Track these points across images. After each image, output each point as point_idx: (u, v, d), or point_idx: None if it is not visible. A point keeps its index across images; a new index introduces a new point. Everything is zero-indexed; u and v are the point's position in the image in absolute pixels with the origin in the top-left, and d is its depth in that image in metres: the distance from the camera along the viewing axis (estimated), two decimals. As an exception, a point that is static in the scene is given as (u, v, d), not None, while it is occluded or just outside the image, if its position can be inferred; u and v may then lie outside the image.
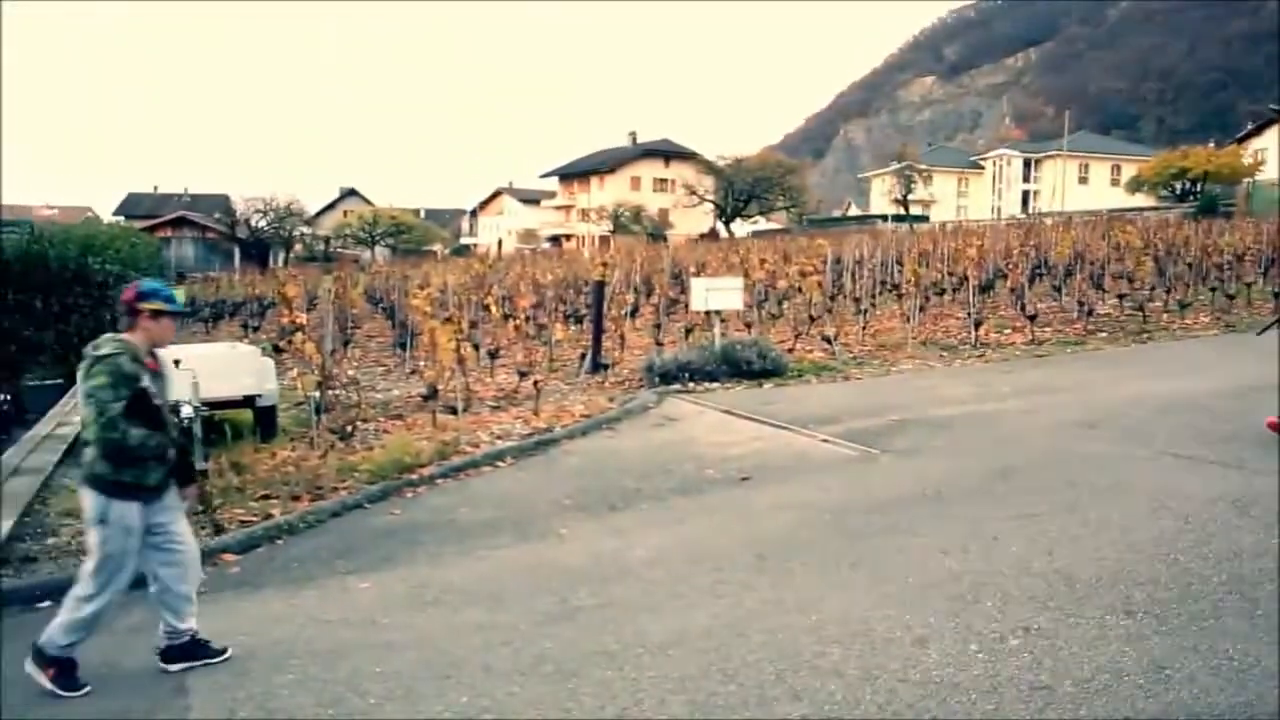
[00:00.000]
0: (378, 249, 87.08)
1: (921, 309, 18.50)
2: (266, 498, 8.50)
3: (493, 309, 14.63)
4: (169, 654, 5.10)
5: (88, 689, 4.86)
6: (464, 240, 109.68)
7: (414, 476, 8.86)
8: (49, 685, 4.82)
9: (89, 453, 4.83)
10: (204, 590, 6.42)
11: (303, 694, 4.72)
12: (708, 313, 13.92)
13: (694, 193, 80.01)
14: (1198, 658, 4.41)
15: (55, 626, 4.87)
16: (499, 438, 10.47)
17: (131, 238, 25.54)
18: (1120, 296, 18.54)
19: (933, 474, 8.03)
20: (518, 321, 13.25)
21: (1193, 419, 9.51)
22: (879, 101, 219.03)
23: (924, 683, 4.36)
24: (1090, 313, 17.31)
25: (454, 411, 10.90)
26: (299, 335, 9.60)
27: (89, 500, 4.84)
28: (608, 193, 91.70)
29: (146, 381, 4.83)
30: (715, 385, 12.99)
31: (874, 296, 21.68)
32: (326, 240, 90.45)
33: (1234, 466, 7.68)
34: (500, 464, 9.43)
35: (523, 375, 12.92)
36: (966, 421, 10.00)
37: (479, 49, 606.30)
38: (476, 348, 16.08)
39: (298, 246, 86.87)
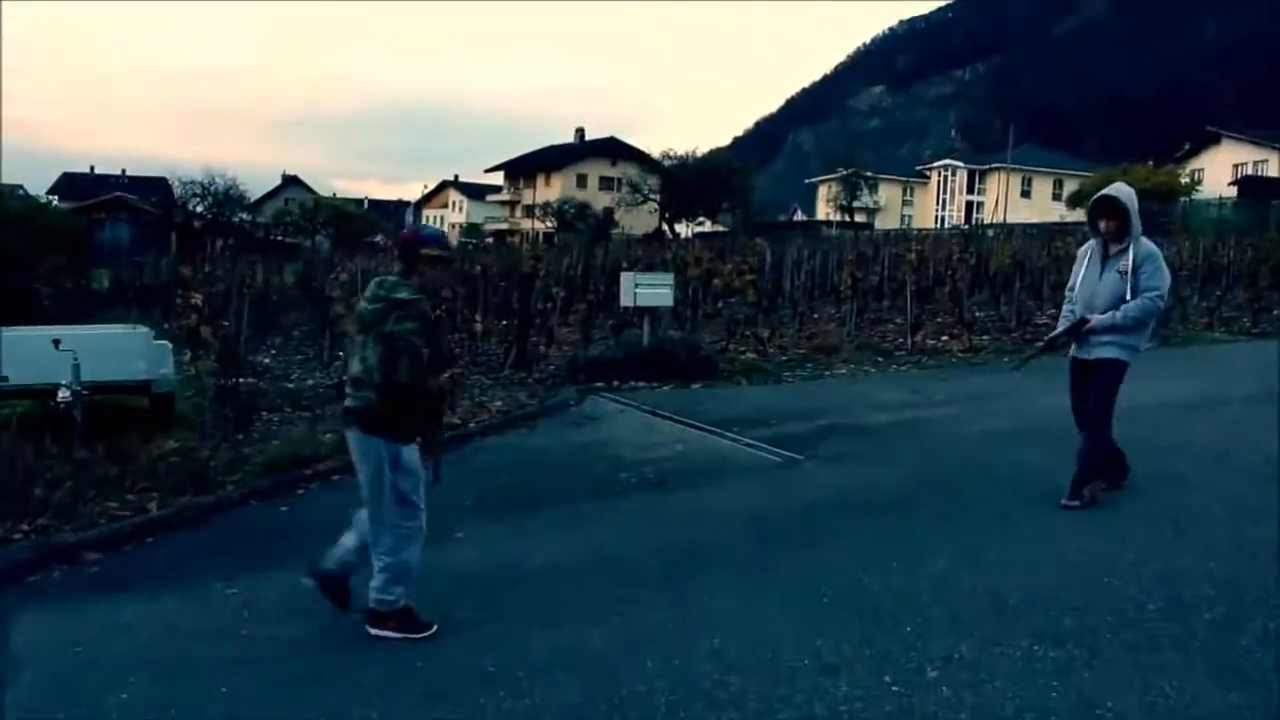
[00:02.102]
0: (319, 238, 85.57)
1: (860, 313, 18.18)
2: (146, 490, 7.88)
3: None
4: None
5: (434, 627, 4.93)
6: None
7: (309, 471, 8.29)
8: (402, 635, 4.85)
9: (367, 397, 4.82)
10: (52, 591, 5.87)
11: (130, 717, 4.16)
12: (639, 309, 13.43)
13: (637, 191, 79.53)
14: (1131, 694, 3.99)
15: (380, 586, 4.88)
16: (409, 433, 9.92)
17: (49, 213, 24.50)
18: (1058, 306, 18.34)
19: (858, 482, 7.62)
20: (439, 313, 12.65)
21: (1127, 431, 9.19)
22: (829, 108, 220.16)
23: (830, 718, 3.90)
24: (1027, 322, 17.10)
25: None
26: (194, 318, 8.98)
27: (376, 446, 4.84)
28: (554, 190, 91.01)
29: None
30: (642, 384, 12.51)
31: (813, 299, 21.41)
32: (267, 227, 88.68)
33: (1171, 481, 7.34)
34: (407, 460, 8.88)
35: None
36: (897, 428, 9.61)
37: (429, 40, 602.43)
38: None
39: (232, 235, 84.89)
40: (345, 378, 5.12)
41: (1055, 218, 59.47)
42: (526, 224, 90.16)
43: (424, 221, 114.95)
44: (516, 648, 4.71)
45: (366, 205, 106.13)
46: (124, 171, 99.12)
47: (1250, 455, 7.87)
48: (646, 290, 12.84)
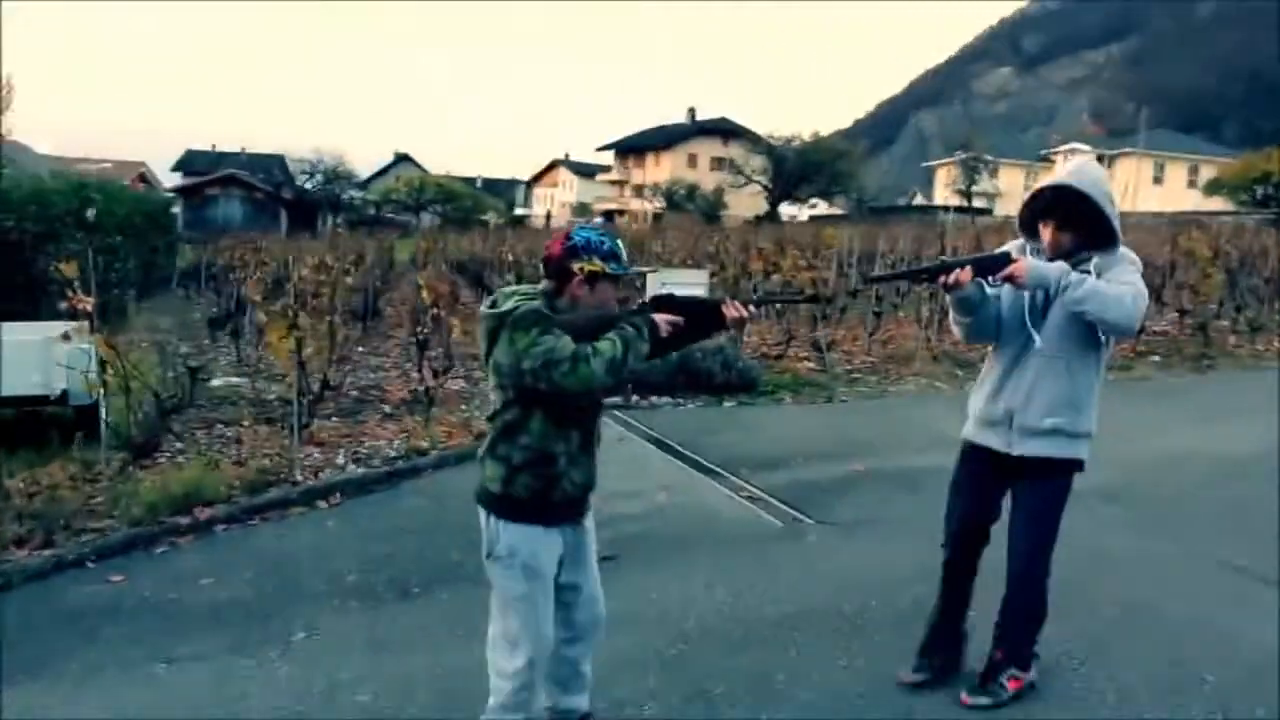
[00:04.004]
0: (425, 216, 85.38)
1: (945, 315, 15.96)
2: (-14, 540, 6.39)
3: (424, 292, 12.41)
4: None
5: None
6: (518, 211, 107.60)
7: (185, 520, 6.64)
8: None
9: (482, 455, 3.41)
10: None
11: None
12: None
13: (740, 172, 77.30)
14: None
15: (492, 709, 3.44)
16: (356, 460, 8.27)
17: (123, 191, 23.60)
18: (1181, 312, 15.86)
19: (870, 573, 5.63)
20: (437, 311, 11.01)
21: (1258, 494, 7.03)
22: (953, 91, 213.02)
23: None
24: (1141, 330, 14.70)
25: (289, 427, 8.64)
26: (76, 322, 7.43)
27: (483, 523, 3.41)
28: (663, 169, 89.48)
29: None
30: (666, 400, 10.68)
31: (898, 297, 19.18)
32: (376, 205, 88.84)
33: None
34: (321, 504, 7.17)
35: (437, 374, 10.69)
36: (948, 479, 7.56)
37: (544, 17, 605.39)
38: (420, 340, 13.94)
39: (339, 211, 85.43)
40: None
41: (1189, 206, 55.55)
42: (636, 204, 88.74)
43: (533, 200, 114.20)
44: None
45: (479, 184, 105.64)
46: (243, 149, 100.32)
47: None
48: (675, 290, 10.92)
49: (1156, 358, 13.77)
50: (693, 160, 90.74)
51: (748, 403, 10.69)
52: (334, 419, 9.86)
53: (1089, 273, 3.70)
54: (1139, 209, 52.40)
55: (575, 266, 3.27)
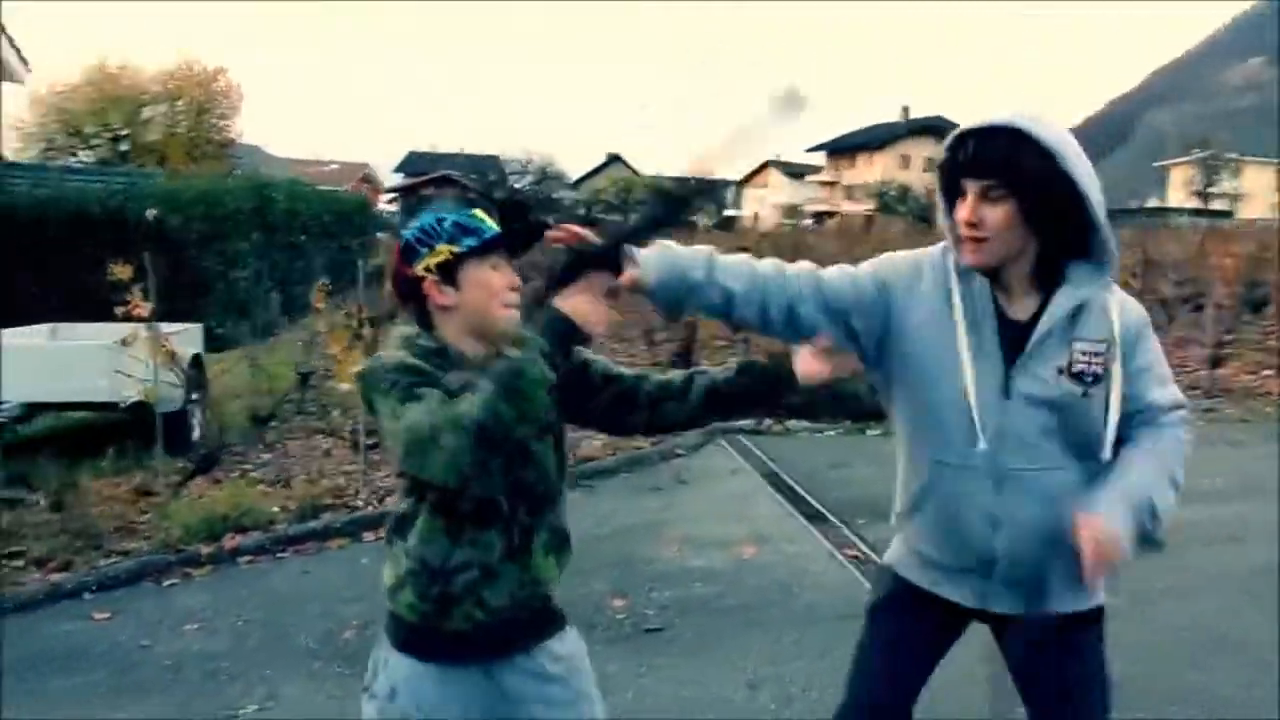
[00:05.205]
0: (633, 217, 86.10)
1: (1158, 330, 14.08)
2: (13, 556, 5.97)
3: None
4: None
5: None
6: (728, 212, 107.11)
7: (206, 550, 6.02)
8: None
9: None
10: None
11: None
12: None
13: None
14: None
15: None
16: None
17: (311, 191, 24.05)
18: None
19: (966, 667, 4.42)
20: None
21: None
22: (1192, 85, 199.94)
23: None
24: None
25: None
26: (133, 329, 6.94)
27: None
28: (875, 170, 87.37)
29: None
30: (803, 425, 9.57)
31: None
32: (586, 205, 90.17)
33: None
34: (368, 535, 6.38)
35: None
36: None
37: (752, 16, 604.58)
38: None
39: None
40: None
41: None
42: (846, 206, 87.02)
43: (742, 201, 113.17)
44: None
45: (691, 184, 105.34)
46: (461, 149, 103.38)
47: None
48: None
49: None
50: (905, 161, 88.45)
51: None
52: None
53: (1094, 344, 2.12)
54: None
55: (420, 269, 2.16)
